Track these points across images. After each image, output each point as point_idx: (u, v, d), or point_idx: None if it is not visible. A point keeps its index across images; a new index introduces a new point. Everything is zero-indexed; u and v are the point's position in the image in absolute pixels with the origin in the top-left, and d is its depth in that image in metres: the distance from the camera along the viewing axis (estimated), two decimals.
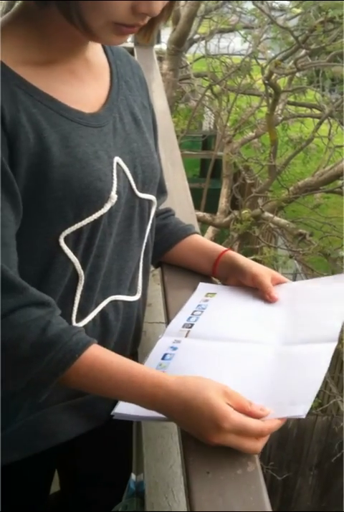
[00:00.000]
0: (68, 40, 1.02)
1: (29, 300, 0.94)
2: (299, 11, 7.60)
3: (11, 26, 1.01)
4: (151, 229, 1.24)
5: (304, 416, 0.92)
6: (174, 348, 1.11)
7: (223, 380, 0.97)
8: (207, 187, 7.61)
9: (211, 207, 7.46)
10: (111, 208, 1.06)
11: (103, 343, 1.13)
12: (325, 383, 7.15)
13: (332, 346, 1.06)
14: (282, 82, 7.20)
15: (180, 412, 0.92)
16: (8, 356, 0.92)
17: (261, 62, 6.94)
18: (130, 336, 1.24)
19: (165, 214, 1.40)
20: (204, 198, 7.42)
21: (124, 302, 1.20)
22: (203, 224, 7.06)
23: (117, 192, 1.06)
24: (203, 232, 7.45)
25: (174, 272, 1.36)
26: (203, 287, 1.32)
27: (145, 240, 1.22)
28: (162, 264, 1.39)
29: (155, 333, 1.18)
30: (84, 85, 1.08)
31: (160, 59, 6.94)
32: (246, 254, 6.17)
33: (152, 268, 1.38)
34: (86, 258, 1.07)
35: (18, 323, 0.92)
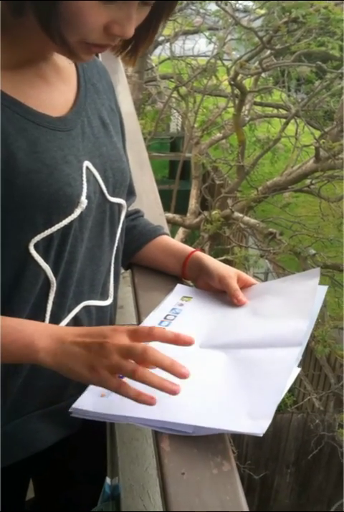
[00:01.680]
0: (38, 45, 1.00)
1: None
2: (263, 11, 7.66)
3: None
4: (121, 233, 1.23)
5: (261, 435, 0.88)
6: None
7: (181, 386, 0.95)
8: (176, 188, 7.61)
9: (181, 208, 7.47)
10: (82, 213, 1.04)
11: None
12: (300, 380, 7.20)
13: (296, 351, 1.04)
14: (247, 82, 7.24)
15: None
16: None
17: (226, 63, 6.98)
18: None
19: (134, 216, 1.40)
20: (174, 200, 7.42)
21: (96, 307, 1.18)
22: (174, 225, 7.07)
23: (88, 197, 1.05)
24: (173, 234, 7.45)
25: (144, 273, 1.36)
26: (180, 288, 1.31)
27: (116, 244, 1.21)
28: (132, 266, 1.39)
29: None
30: (52, 89, 1.06)
31: None
32: (217, 255, 6.22)
33: (122, 270, 1.37)
34: (58, 265, 1.05)
35: None
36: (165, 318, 1.21)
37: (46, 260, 1.02)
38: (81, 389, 1.02)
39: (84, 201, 1.04)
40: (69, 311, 1.12)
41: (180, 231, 7.26)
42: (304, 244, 5.89)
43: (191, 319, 1.22)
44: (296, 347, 1.05)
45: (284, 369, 1.00)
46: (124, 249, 1.30)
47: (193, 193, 7.17)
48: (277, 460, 6.43)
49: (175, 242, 1.39)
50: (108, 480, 1.15)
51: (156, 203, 1.67)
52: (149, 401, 0.89)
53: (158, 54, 8.51)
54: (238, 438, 6.25)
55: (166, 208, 7.26)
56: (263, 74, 7.55)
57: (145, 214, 1.44)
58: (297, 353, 1.04)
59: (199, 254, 1.32)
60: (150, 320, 1.20)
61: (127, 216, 1.34)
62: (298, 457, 6.39)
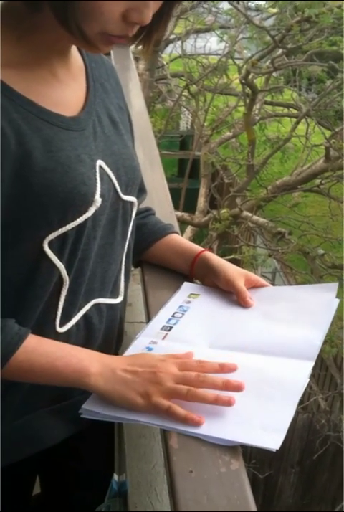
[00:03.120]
0: (53, 41, 1.00)
1: None
2: (275, 10, 7.64)
3: None
4: (132, 231, 1.23)
5: (274, 450, 0.88)
6: (149, 349, 1.10)
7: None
8: (185, 187, 7.61)
9: (190, 207, 7.46)
10: (95, 211, 1.04)
11: (87, 346, 1.11)
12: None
13: (309, 366, 1.04)
14: (258, 81, 7.23)
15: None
16: None
17: (237, 61, 6.97)
18: (113, 339, 1.23)
19: (144, 213, 1.40)
20: (182, 198, 7.41)
21: (107, 305, 1.18)
22: (182, 223, 7.06)
23: (102, 195, 1.05)
24: (181, 232, 7.43)
25: (154, 271, 1.36)
26: (187, 286, 1.31)
27: (127, 242, 1.21)
28: (142, 263, 1.39)
29: (136, 333, 1.17)
30: (64, 87, 1.06)
31: (136, 59, 6.93)
32: (224, 254, 6.21)
33: (132, 268, 1.37)
34: (71, 262, 1.05)
35: None
36: (172, 315, 1.21)
37: (60, 258, 1.03)
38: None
39: (98, 199, 1.04)
40: (80, 309, 1.12)
41: (189, 229, 7.26)
42: (312, 244, 5.88)
43: (199, 317, 1.22)
44: (310, 361, 1.05)
45: (299, 384, 1.00)
46: (134, 246, 1.30)
47: (202, 191, 7.17)
48: (282, 459, 6.42)
49: (184, 241, 1.39)
50: (115, 476, 1.15)
51: (167, 201, 1.67)
52: (198, 421, 0.93)
53: (169, 52, 8.49)
54: None
55: (175, 206, 7.25)
56: (274, 74, 7.54)
57: (155, 212, 1.44)
58: (310, 367, 1.04)
59: (207, 254, 1.32)
60: (159, 319, 1.20)
61: (137, 213, 1.35)
62: (303, 457, 6.38)
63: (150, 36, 1.04)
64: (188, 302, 1.26)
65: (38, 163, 0.96)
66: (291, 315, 1.21)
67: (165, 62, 8.18)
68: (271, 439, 0.90)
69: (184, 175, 8.36)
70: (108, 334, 1.20)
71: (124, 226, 1.18)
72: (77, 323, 1.12)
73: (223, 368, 0.99)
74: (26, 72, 0.99)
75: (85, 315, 1.14)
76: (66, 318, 1.09)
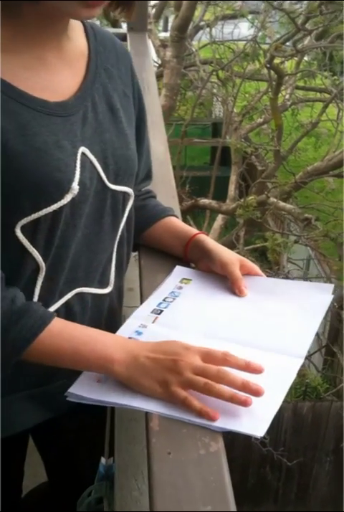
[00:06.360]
0: (39, 28, 1.00)
1: None
2: None
3: None
4: (128, 222, 1.21)
5: (259, 438, 0.89)
6: (139, 333, 1.10)
7: None
8: (215, 175, 7.56)
9: (221, 195, 7.41)
10: (74, 199, 1.03)
11: None
12: (342, 369, 7.09)
13: (299, 363, 1.04)
14: (289, 66, 7.15)
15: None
16: None
17: (265, 46, 6.90)
18: (100, 328, 1.22)
19: (144, 196, 1.38)
20: (212, 186, 7.37)
21: (92, 294, 1.17)
22: (211, 211, 7.03)
23: (81, 183, 1.03)
24: (212, 220, 7.41)
25: (151, 255, 1.35)
26: (179, 270, 1.30)
27: (120, 233, 1.19)
28: (139, 247, 1.38)
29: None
30: (54, 73, 1.05)
31: (164, 46, 6.92)
32: (255, 241, 6.15)
33: (133, 253, 1.36)
34: (47, 249, 1.04)
35: None
36: (163, 299, 1.20)
37: (33, 244, 1.02)
38: (70, 374, 1.03)
39: (75, 187, 1.02)
40: (61, 296, 1.11)
41: (220, 217, 7.21)
42: (340, 230, 5.79)
43: (190, 303, 1.21)
44: (300, 359, 1.05)
45: (287, 380, 1.00)
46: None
47: (233, 179, 7.12)
48: (316, 447, 6.38)
49: (181, 224, 1.37)
50: (103, 459, 1.15)
51: (170, 185, 1.66)
52: (212, 416, 0.92)
53: (200, 38, 8.42)
54: (276, 425, 6.21)
55: (205, 195, 7.23)
56: (306, 58, 7.44)
57: (158, 196, 1.44)
58: (300, 365, 1.04)
59: (202, 237, 1.30)
60: (149, 302, 1.20)
61: (138, 196, 1.33)
62: (337, 446, 6.32)
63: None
64: (180, 288, 1.24)
65: (10, 148, 0.95)
66: (285, 310, 1.20)
67: (194, 49, 8.12)
68: (256, 426, 0.91)
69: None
70: (94, 324, 1.16)
71: (114, 217, 1.16)
72: (57, 311, 1.11)
73: (249, 367, 0.96)
74: (12, 58, 0.99)
75: (66, 304, 1.13)
76: (43, 305, 1.06)
